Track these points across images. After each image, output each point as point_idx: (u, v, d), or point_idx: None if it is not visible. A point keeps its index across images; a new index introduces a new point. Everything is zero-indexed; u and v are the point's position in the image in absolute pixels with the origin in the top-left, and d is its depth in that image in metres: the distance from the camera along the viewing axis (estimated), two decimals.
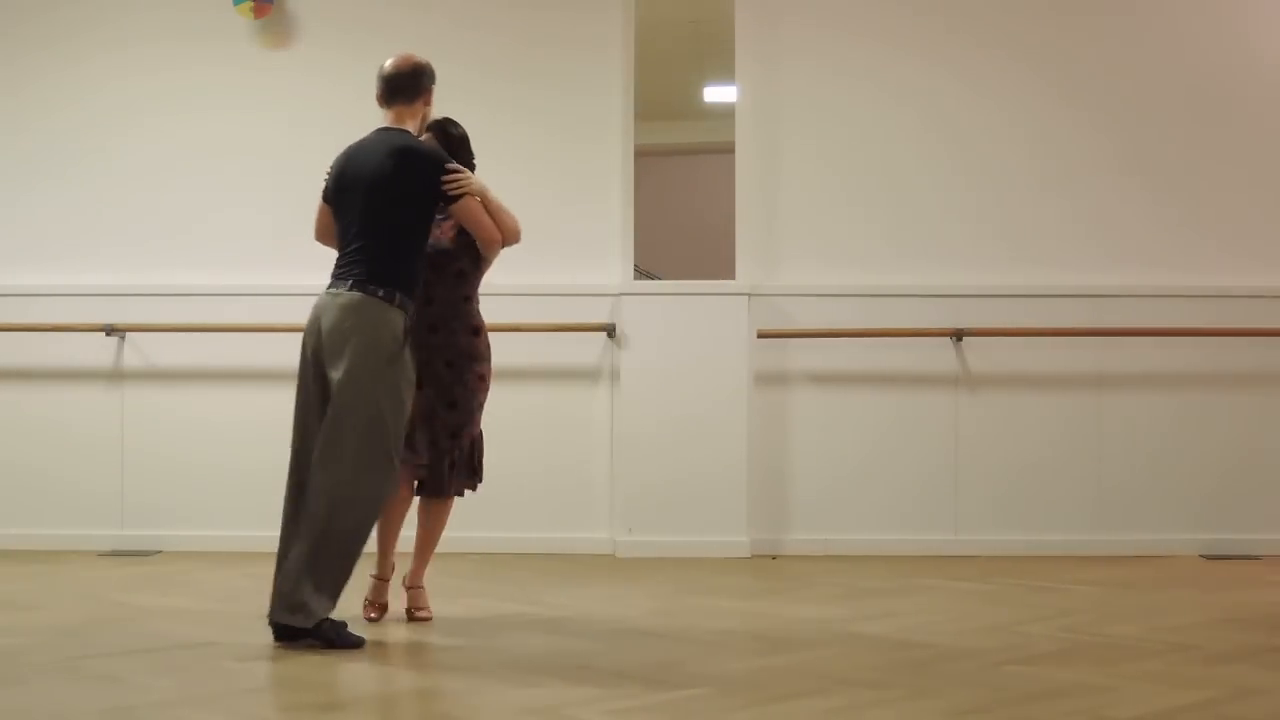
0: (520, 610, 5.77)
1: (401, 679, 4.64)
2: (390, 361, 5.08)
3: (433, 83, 5.43)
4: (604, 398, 7.37)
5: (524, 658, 4.91)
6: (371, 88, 7.52)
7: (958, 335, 7.29)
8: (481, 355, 5.55)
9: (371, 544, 5.26)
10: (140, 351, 7.49)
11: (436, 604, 5.62)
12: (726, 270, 7.51)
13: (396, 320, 5.11)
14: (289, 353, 7.40)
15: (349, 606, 5.24)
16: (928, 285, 7.36)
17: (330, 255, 7.59)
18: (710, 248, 8.65)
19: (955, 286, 7.35)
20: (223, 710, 4.16)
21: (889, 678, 4.53)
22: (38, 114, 7.63)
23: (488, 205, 5.43)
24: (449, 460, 5.49)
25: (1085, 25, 7.46)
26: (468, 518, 5.86)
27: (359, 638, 5.01)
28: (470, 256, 5.54)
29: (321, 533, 4.95)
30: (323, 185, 5.39)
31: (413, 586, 5.59)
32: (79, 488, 7.45)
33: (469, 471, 5.57)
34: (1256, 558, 7.13)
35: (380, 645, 5.09)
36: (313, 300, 7.43)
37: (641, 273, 7.85)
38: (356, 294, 5.12)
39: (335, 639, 4.93)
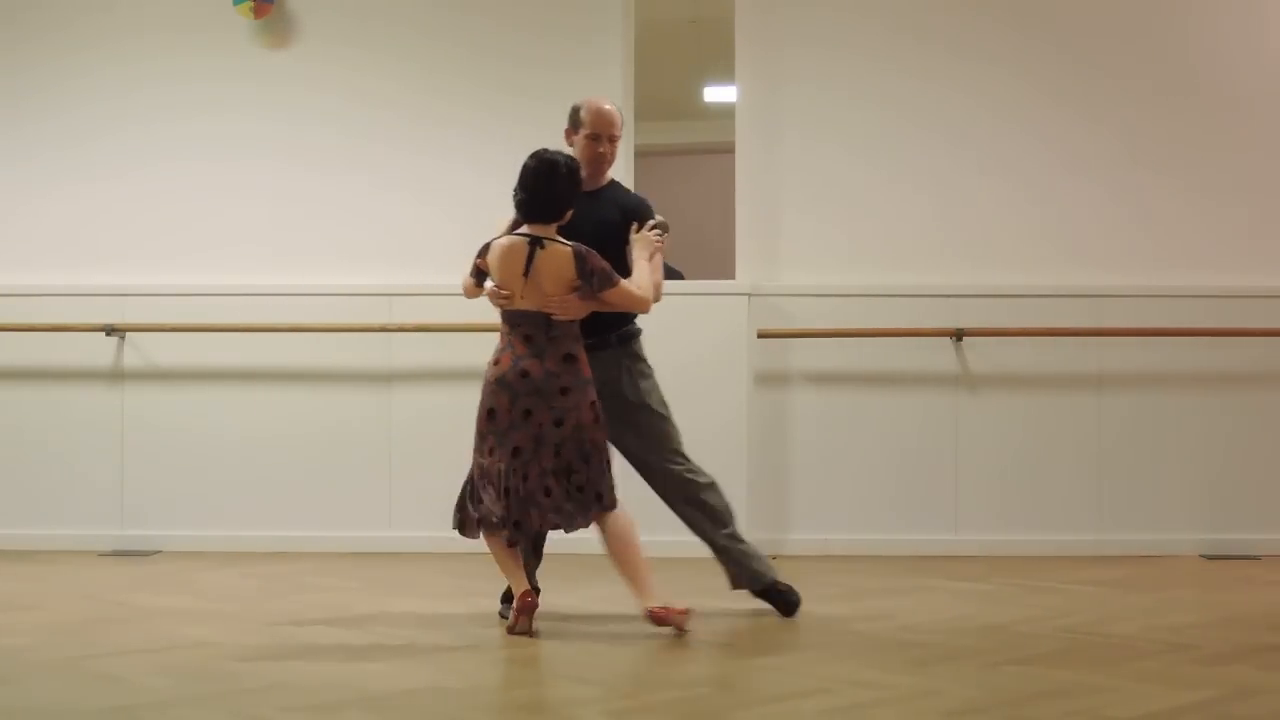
0: None
1: (402, 679, 4.63)
2: None
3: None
4: None
5: (524, 658, 4.91)
6: (372, 86, 7.58)
7: (958, 335, 7.29)
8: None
9: None
10: (140, 351, 7.48)
11: (437, 604, 5.61)
12: (726, 270, 7.50)
13: None
14: (289, 353, 7.45)
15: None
16: (928, 285, 7.36)
17: (339, 258, 7.58)
18: (710, 248, 8.65)
19: (955, 286, 7.35)
20: (223, 710, 4.16)
21: (889, 678, 4.52)
22: (37, 114, 7.62)
23: None
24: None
25: (1087, 26, 7.46)
26: None
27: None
28: None
29: None
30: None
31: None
32: (79, 488, 7.45)
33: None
34: (1256, 558, 7.12)
35: (380, 646, 5.08)
36: (311, 299, 7.49)
37: None
38: None
39: None
